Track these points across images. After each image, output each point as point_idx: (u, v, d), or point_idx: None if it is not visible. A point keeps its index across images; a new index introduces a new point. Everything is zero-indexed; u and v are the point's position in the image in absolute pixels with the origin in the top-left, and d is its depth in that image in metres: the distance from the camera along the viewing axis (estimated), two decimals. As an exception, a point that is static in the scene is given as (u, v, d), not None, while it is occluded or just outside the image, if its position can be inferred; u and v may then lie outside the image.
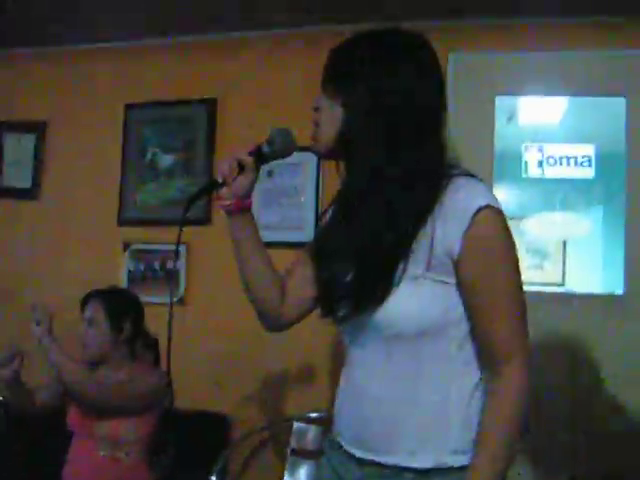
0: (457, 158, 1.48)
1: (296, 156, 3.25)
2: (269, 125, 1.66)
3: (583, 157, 3.69)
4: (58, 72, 3.91)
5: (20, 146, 3.89)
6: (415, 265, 1.38)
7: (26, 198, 3.88)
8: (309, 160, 3.30)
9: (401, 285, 1.38)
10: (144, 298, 2.97)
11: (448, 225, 1.36)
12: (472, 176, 1.43)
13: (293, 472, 3.01)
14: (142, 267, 3.61)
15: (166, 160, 3.65)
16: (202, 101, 3.62)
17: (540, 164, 3.76)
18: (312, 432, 3.03)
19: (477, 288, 1.38)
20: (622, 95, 3.15)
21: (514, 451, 1.37)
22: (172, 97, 3.68)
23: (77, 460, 2.66)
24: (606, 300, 3.29)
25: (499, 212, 1.38)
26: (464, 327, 1.42)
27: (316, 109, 1.52)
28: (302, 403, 3.27)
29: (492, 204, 1.36)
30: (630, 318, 3.03)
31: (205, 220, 3.48)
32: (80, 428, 2.67)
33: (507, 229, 1.40)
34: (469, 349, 1.43)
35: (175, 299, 3.50)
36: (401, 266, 1.38)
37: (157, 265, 3.58)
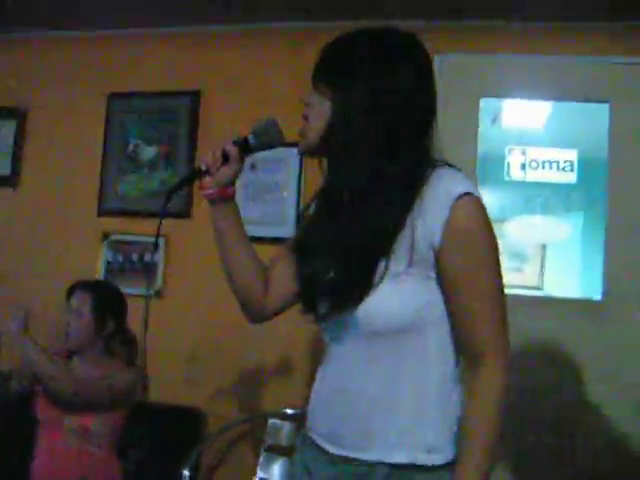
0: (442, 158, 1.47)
1: (279, 152, 3.23)
2: (253, 119, 1.65)
3: (565, 162, 3.70)
4: (39, 59, 3.87)
5: (0, 133, 3.84)
6: (397, 262, 1.37)
7: (4, 185, 3.84)
8: (292, 156, 3.30)
9: (383, 283, 1.37)
10: (121, 289, 2.96)
11: (428, 216, 1.35)
12: (452, 167, 1.44)
13: (266, 468, 3.00)
14: (120, 258, 3.59)
15: (148, 152, 3.63)
16: (186, 93, 3.60)
17: (523, 167, 3.76)
18: (287, 429, 3.02)
19: (458, 278, 1.37)
20: (606, 101, 3.17)
21: (496, 450, 1.36)
22: (156, 88, 3.66)
23: (46, 452, 2.63)
24: (584, 305, 3.31)
25: (478, 200, 1.38)
26: (444, 325, 1.42)
27: (306, 104, 1.51)
28: (278, 399, 3.27)
29: (471, 192, 1.36)
30: (608, 324, 3.05)
31: (185, 213, 3.47)
32: (49, 419, 2.64)
33: (487, 217, 1.39)
34: (449, 347, 1.43)
35: (152, 291, 3.48)
36: (383, 264, 1.37)
37: (135, 257, 3.56)
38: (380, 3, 3.16)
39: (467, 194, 1.35)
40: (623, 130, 3.12)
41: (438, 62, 3.08)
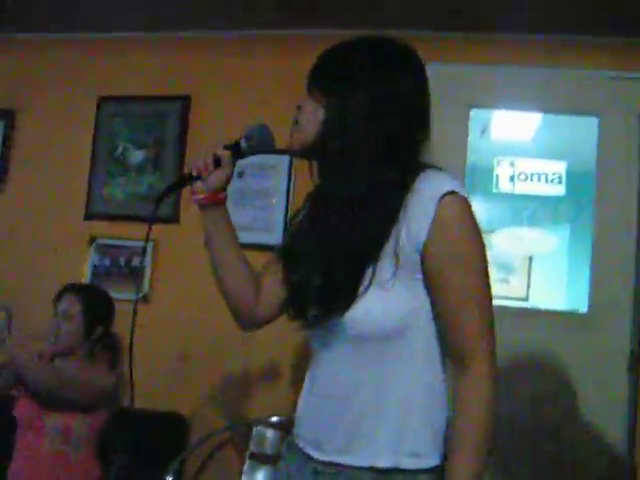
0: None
1: (268, 158, 3.23)
2: (242, 124, 1.64)
3: (554, 174, 3.72)
4: (30, 61, 3.85)
5: (-13, 134, 3.82)
6: (383, 269, 1.37)
7: (-8, 187, 3.81)
8: (281, 163, 3.31)
9: (369, 290, 1.37)
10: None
11: (413, 219, 1.35)
12: (436, 168, 1.44)
13: (251, 476, 2.99)
14: (107, 262, 3.57)
15: (137, 155, 3.62)
16: (175, 98, 3.59)
17: (511, 179, 3.78)
18: (271, 436, 3.01)
19: (442, 276, 1.37)
20: (595, 115, 3.19)
21: (488, 451, 1.35)
22: (146, 92, 3.65)
23: (24, 454, 2.62)
24: (570, 317, 3.32)
25: (464, 199, 1.38)
26: (431, 328, 1.42)
27: (299, 108, 1.51)
28: (263, 406, 3.25)
29: (457, 190, 1.36)
30: (594, 336, 3.06)
31: (173, 218, 3.46)
32: (28, 420, 2.63)
33: (472, 215, 1.39)
34: (436, 351, 1.43)
35: (140, 296, 3.47)
36: (370, 271, 1.37)
37: (122, 261, 3.54)
38: (372, 13, 3.17)
39: (452, 193, 1.35)
40: (611, 143, 3.14)
41: (429, 72, 3.08)
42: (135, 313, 1.58)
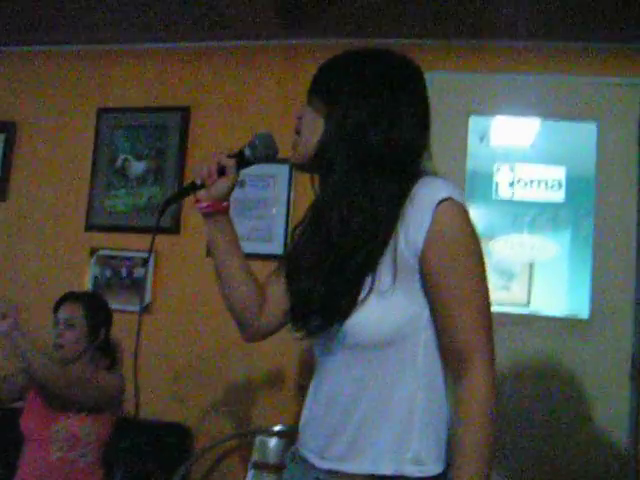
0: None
1: (269, 168, 3.24)
2: (242, 135, 1.66)
3: (554, 180, 3.72)
4: (30, 73, 3.87)
5: (-11, 146, 3.83)
6: (382, 277, 1.38)
7: (-7, 198, 3.82)
8: (281, 172, 3.32)
9: (369, 298, 1.38)
10: (109, 305, 2.97)
11: (411, 226, 1.36)
12: (433, 175, 1.44)
13: (254, 486, 2.98)
14: (108, 273, 3.57)
15: (137, 167, 3.62)
16: (176, 109, 3.60)
17: (511, 185, 3.78)
18: (275, 446, 3.01)
19: (441, 281, 1.37)
20: (593, 120, 3.20)
21: (494, 451, 1.35)
22: (146, 104, 3.66)
23: (28, 465, 2.62)
24: (571, 323, 3.31)
25: (461, 204, 1.38)
26: (431, 333, 1.42)
27: (299, 118, 1.52)
28: (266, 415, 3.25)
29: (453, 196, 1.37)
30: (595, 342, 3.06)
31: (174, 229, 3.46)
32: (34, 431, 2.64)
33: (469, 221, 1.40)
34: (436, 356, 1.43)
35: (143, 306, 3.47)
36: (369, 280, 1.38)
37: (124, 272, 3.54)
38: (372, 22, 3.19)
39: (449, 199, 1.36)
40: (611, 149, 3.15)
41: (428, 80, 3.07)
42: (140, 324, 1.59)
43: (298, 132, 1.52)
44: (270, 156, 1.60)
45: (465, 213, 1.39)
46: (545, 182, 3.73)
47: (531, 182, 3.76)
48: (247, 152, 1.57)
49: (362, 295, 1.38)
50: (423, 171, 1.45)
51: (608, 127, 3.16)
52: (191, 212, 3.31)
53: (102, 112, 3.71)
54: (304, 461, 1.53)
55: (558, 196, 3.72)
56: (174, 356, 3.43)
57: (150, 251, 1.68)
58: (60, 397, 2.59)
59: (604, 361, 3.04)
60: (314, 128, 1.47)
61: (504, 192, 3.80)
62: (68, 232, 3.68)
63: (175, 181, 3.50)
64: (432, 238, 1.35)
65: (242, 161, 1.57)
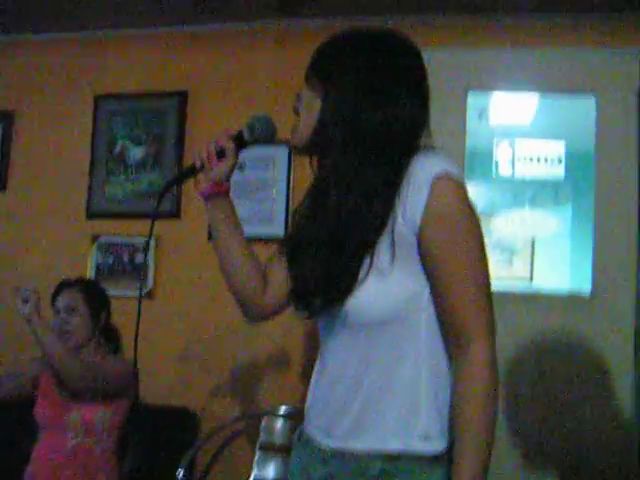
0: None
1: (268, 150, 3.23)
2: (240, 118, 1.65)
3: (554, 156, 3.71)
4: (26, 61, 3.85)
5: (-13, 135, 3.83)
6: (381, 256, 1.38)
7: (-8, 188, 3.82)
8: (281, 154, 3.32)
9: (369, 277, 1.38)
10: (111, 291, 2.99)
11: (408, 203, 1.36)
12: (432, 149, 1.44)
13: (262, 467, 2.99)
14: (110, 260, 3.57)
15: (136, 152, 3.62)
16: (173, 94, 3.59)
17: (512, 163, 3.77)
18: (281, 427, 3.01)
19: (438, 258, 1.37)
20: (592, 94, 3.18)
21: (494, 429, 1.35)
22: (143, 89, 3.65)
23: (44, 453, 2.64)
24: (574, 299, 3.31)
25: (458, 179, 1.38)
26: (432, 312, 1.42)
27: (298, 96, 1.52)
28: (271, 397, 3.26)
29: (450, 171, 1.36)
30: (598, 316, 3.06)
31: (175, 214, 3.46)
32: (49, 419, 2.65)
33: (466, 196, 1.39)
34: (438, 333, 1.43)
35: (144, 292, 3.48)
36: (368, 259, 1.38)
37: (126, 258, 3.55)
38: (368, 0, 3.17)
39: (445, 174, 1.35)
40: (610, 123, 3.13)
41: (426, 56, 3.06)
42: (140, 309, 1.59)
43: (296, 111, 1.52)
44: (268, 137, 1.60)
45: (462, 188, 1.39)
46: (545, 158, 3.72)
47: (531, 158, 3.75)
48: (245, 134, 1.57)
49: (361, 274, 1.38)
50: (420, 147, 1.45)
51: (607, 100, 3.14)
52: (192, 196, 3.31)
53: (99, 98, 3.70)
54: (310, 441, 1.53)
55: (558, 171, 3.71)
56: (178, 341, 3.44)
57: (150, 235, 1.68)
58: (74, 386, 2.59)
59: (607, 337, 3.03)
60: (312, 108, 1.47)
61: (504, 170, 3.79)
62: (69, 220, 3.68)
63: (174, 166, 3.49)
64: (429, 214, 1.34)
65: (241, 143, 1.57)
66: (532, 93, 3.63)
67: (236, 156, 1.57)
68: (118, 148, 3.65)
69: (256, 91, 3.47)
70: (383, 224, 1.38)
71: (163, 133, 3.58)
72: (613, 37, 3.17)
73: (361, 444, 1.42)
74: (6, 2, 3.43)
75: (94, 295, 2.80)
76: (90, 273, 3.57)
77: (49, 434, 2.64)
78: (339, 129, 1.42)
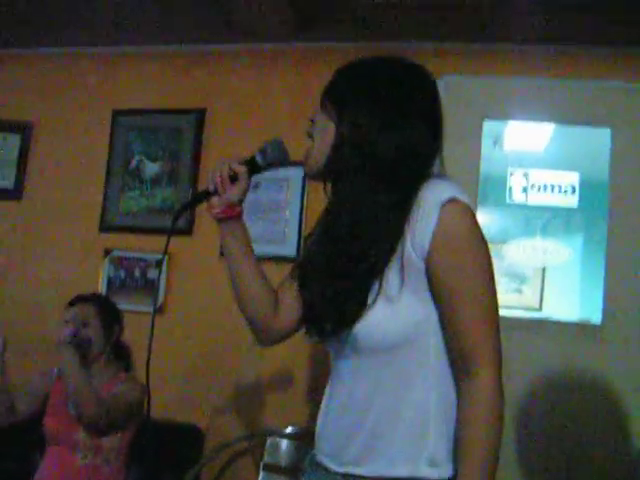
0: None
1: (282, 171, 3.24)
2: (256, 138, 1.67)
3: (567, 185, 3.71)
4: (48, 74, 3.89)
5: (5, 146, 3.85)
6: (390, 280, 1.39)
7: (8, 198, 3.84)
8: (295, 175, 3.33)
9: (377, 302, 1.39)
10: (122, 306, 2.98)
11: (417, 229, 1.37)
12: (442, 177, 1.46)
13: (265, 487, 2.99)
14: (122, 274, 3.59)
15: (151, 168, 3.64)
16: (191, 111, 3.61)
17: (524, 190, 3.78)
18: (286, 448, 3.02)
19: (446, 283, 1.38)
20: (607, 125, 3.19)
21: (498, 455, 1.35)
22: (161, 106, 3.68)
23: (52, 467, 2.62)
24: (584, 328, 3.30)
25: (466, 205, 1.39)
26: (441, 336, 1.42)
27: (312, 121, 1.54)
28: (277, 416, 3.26)
29: (458, 197, 1.37)
30: (607, 347, 3.05)
31: (187, 231, 3.47)
32: (59, 434, 2.63)
33: (474, 222, 1.40)
34: (446, 357, 1.43)
35: (156, 307, 3.48)
36: (376, 285, 1.39)
37: (137, 273, 3.56)
38: (387, 25, 3.19)
39: (453, 200, 1.36)
40: (624, 154, 3.14)
41: (442, 84, 3.10)
42: (154, 324, 1.60)
43: (310, 135, 1.54)
44: (281, 161, 1.62)
45: (470, 213, 1.40)
46: (559, 187, 3.73)
47: (544, 187, 3.75)
48: (258, 158, 1.59)
49: (370, 299, 1.39)
50: (432, 175, 1.46)
51: (622, 132, 3.15)
52: (204, 214, 3.30)
53: (118, 113, 3.73)
54: (321, 466, 1.54)
55: (571, 201, 3.71)
56: (187, 357, 3.44)
57: (164, 254, 1.70)
58: (86, 421, 2.57)
59: (618, 366, 3.02)
60: (325, 133, 1.49)
61: (517, 197, 3.79)
62: (82, 233, 3.70)
63: (189, 183, 3.52)
64: (437, 239, 1.35)
65: (254, 167, 1.59)
66: (547, 123, 3.63)
67: (248, 180, 1.58)
68: (134, 163, 3.67)
69: (274, 111, 3.49)
70: (392, 249, 1.39)
71: (179, 150, 3.60)
72: (630, 70, 3.18)
73: (369, 469, 1.43)
74: (27, 16, 3.47)
75: (107, 310, 2.80)
76: (101, 286, 3.58)
77: (58, 450, 2.63)
78: (352, 155, 1.44)
